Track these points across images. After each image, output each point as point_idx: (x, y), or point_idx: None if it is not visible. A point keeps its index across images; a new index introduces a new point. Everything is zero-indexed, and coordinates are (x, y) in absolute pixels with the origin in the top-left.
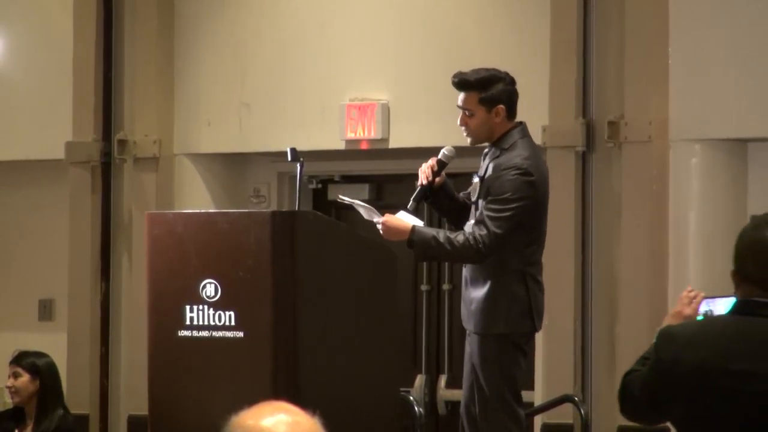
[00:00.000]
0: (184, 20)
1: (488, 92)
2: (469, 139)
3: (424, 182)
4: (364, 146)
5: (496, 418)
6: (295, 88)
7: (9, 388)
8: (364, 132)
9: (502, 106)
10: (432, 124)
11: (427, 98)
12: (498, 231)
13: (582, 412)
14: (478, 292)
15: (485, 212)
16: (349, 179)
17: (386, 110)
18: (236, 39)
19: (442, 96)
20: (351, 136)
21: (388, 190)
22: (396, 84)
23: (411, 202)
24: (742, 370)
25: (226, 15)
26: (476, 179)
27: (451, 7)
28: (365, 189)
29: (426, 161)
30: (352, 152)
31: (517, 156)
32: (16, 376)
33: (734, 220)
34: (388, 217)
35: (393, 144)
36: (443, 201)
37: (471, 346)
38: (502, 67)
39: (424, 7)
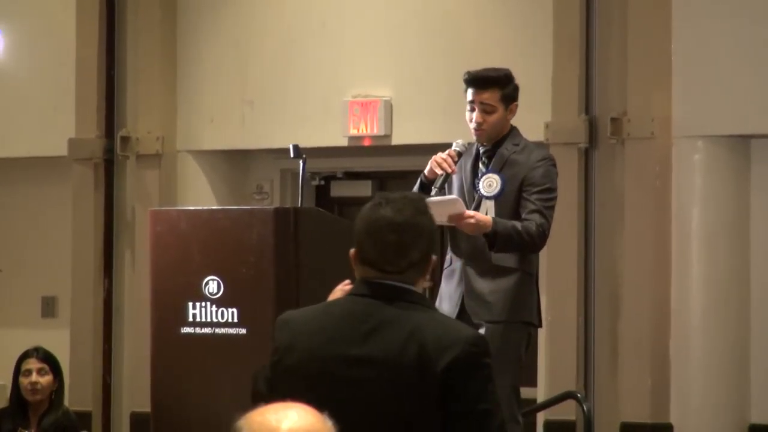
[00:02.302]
0: (186, 18)
1: (507, 89)
2: (478, 138)
3: (449, 170)
4: (366, 143)
5: (509, 409)
6: (297, 84)
7: (34, 384)
8: (367, 129)
9: (516, 103)
10: (434, 121)
11: (429, 95)
12: (551, 220)
13: (585, 408)
14: (502, 284)
15: (538, 202)
16: (352, 176)
17: (389, 107)
18: (239, 36)
19: (444, 92)
20: (354, 132)
21: (391, 187)
22: (398, 81)
23: (435, 189)
24: (354, 355)
25: (228, 12)
26: (492, 174)
27: (453, 4)
28: (368, 185)
29: (429, 157)
30: (354, 149)
31: (541, 149)
32: (41, 372)
33: (737, 216)
34: (474, 212)
35: (396, 141)
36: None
37: (489, 337)
38: (505, 64)
39: (427, 4)
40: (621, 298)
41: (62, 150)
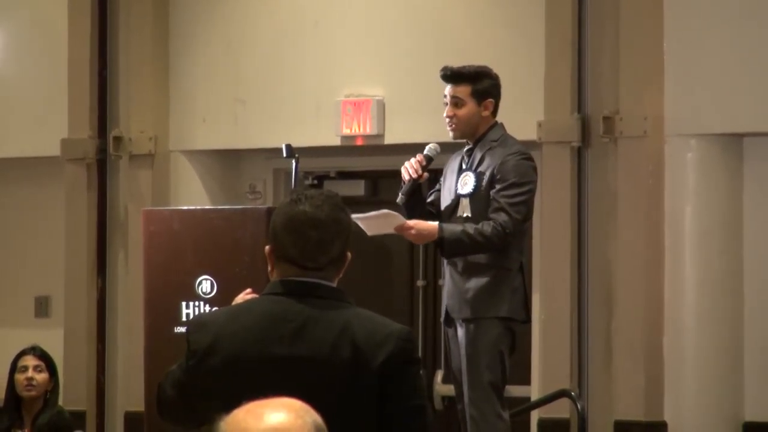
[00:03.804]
0: (179, 17)
1: (480, 85)
2: (452, 133)
3: (414, 176)
4: (359, 142)
5: (489, 405)
6: (290, 84)
7: (29, 380)
8: (360, 128)
9: (491, 100)
10: (427, 120)
11: (422, 94)
12: (518, 216)
13: (578, 407)
14: (477, 282)
15: (501, 199)
16: (345, 175)
17: (381, 106)
18: (231, 35)
19: (436, 91)
20: (346, 132)
21: (384, 186)
22: (391, 80)
23: (400, 195)
24: (283, 356)
25: (220, 11)
26: (468, 172)
27: (445, 3)
28: (361, 185)
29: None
30: (347, 148)
31: (514, 144)
32: (38, 369)
33: (730, 214)
34: (416, 222)
35: (388, 140)
36: (417, 200)
37: (466, 335)
38: (497, 63)
39: (419, 3)
40: (614, 297)
41: (55, 150)
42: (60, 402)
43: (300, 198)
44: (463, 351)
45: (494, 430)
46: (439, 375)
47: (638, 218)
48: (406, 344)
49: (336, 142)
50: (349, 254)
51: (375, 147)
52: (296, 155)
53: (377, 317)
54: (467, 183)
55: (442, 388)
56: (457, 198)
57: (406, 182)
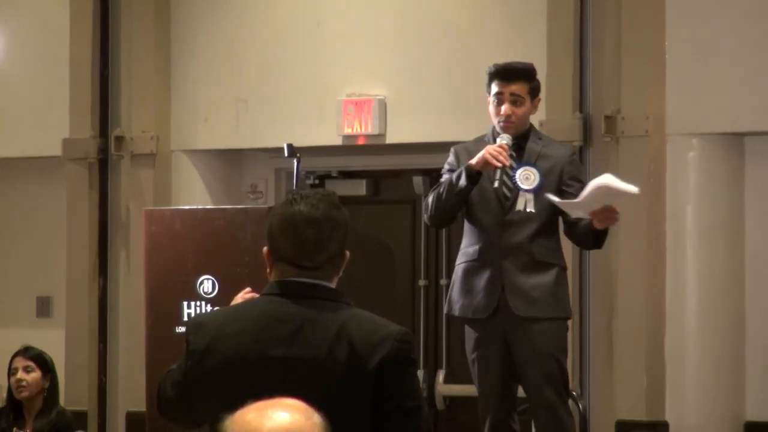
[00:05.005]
0: (180, 16)
1: (534, 83)
2: (506, 129)
3: (507, 163)
4: (361, 142)
5: (566, 406)
6: (291, 83)
7: (18, 381)
8: (361, 127)
9: (539, 98)
10: (429, 119)
11: (424, 93)
12: None
13: (580, 406)
14: (542, 280)
15: None
16: (346, 175)
17: (383, 106)
18: (233, 35)
19: (439, 91)
20: (348, 131)
21: (385, 186)
22: (393, 79)
23: (497, 181)
24: (281, 357)
25: (222, 11)
26: (529, 167)
27: (447, 2)
28: (362, 185)
29: (423, 156)
30: (349, 148)
31: (563, 144)
32: (27, 370)
33: (731, 213)
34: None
35: (390, 139)
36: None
37: (538, 334)
38: (499, 61)
39: (421, 2)
40: (616, 296)
41: (56, 150)
42: (61, 402)
43: (296, 198)
44: (527, 349)
45: (573, 428)
46: (441, 375)
47: (640, 217)
48: (403, 345)
49: (337, 141)
50: (347, 253)
51: (377, 146)
52: (298, 155)
53: (375, 318)
54: (529, 177)
55: (443, 388)
56: (516, 192)
57: (496, 169)
